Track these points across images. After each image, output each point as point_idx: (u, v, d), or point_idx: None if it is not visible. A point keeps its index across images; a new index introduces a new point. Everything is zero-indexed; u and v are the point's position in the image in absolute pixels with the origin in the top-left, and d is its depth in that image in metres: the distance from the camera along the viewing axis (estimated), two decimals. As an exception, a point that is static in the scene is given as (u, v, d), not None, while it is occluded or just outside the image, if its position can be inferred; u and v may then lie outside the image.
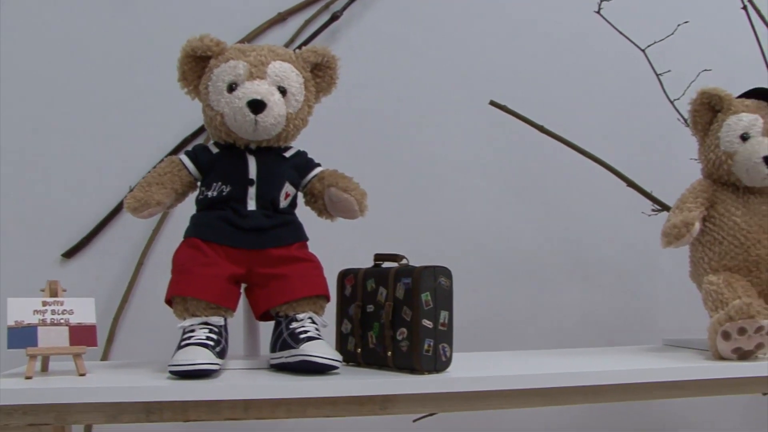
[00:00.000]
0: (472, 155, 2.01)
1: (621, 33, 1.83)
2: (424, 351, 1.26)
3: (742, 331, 1.39)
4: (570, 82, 2.07)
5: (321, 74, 1.43)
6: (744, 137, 1.54)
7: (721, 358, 1.43)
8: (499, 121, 1.83)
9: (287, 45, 1.92)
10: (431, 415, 1.73)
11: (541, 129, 1.74)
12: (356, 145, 1.93)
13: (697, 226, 1.53)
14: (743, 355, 1.41)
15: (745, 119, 1.55)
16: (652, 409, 2.07)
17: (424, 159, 1.98)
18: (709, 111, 1.60)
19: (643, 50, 1.83)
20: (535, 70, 2.05)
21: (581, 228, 2.07)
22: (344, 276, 1.44)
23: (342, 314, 1.43)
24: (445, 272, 1.29)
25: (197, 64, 1.39)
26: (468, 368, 1.34)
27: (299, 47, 1.65)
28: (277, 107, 1.33)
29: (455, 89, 2.00)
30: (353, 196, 1.39)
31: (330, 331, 1.41)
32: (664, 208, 1.79)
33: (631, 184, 1.79)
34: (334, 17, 1.95)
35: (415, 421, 1.76)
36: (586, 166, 1.84)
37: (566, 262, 2.06)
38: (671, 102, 1.81)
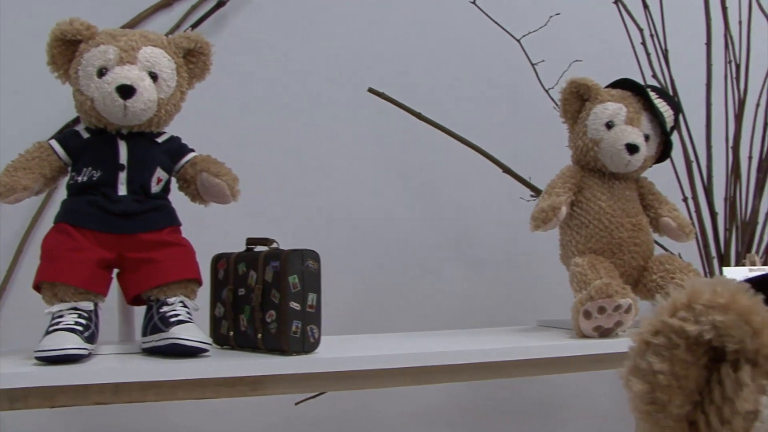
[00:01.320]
0: (353, 141, 2.03)
1: (496, 23, 1.88)
2: (291, 332, 1.29)
3: (601, 310, 1.45)
4: (449, 71, 2.11)
5: (194, 60, 1.43)
6: (609, 125, 1.61)
7: (584, 336, 1.49)
8: (380, 108, 1.86)
9: (172, 30, 1.91)
10: (313, 397, 1.76)
11: (419, 116, 1.78)
12: (240, 132, 1.93)
13: (564, 210, 1.58)
14: (603, 333, 1.48)
15: (611, 108, 1.62)
16: (531, 388, 2.14)
17: (306, 145, 2.00)
18: (577, 100, 1.66)
19: (518, 40, 1.89)
20: (414, 59, 2.09)
21: (463, 213, 2.13)
22: (217, 260, 1.45)
23: (215, 298, 1.45)
24: (313, 255, 1.32)
25: (67, 48, 1.37)
26: (340, 349, 1.37)
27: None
28: (147, 92, 1.33)
29: (338, 76, 2.02)
30: (224, 181, 1.40)
31: (205, 316, 1.43)
32: (539, 193, 1.85)
33: (506, 170, 1.84)
34: (221, 3, 1.95)
35: (297, 404, 1.78)
36: (467, 152, 1.88)
37: (448, 246, 2.11)
38: (546, 91, 1.87)
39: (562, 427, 2.22)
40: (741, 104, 1.98)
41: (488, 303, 2.14)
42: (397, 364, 1.32)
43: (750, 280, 0.71)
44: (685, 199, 1.96)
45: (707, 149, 1.98)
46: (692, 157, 1.96)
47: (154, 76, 1.35)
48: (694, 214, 1.95)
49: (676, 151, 1.96)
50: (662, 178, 1.91)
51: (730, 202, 1.96)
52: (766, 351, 0.65)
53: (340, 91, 2.01)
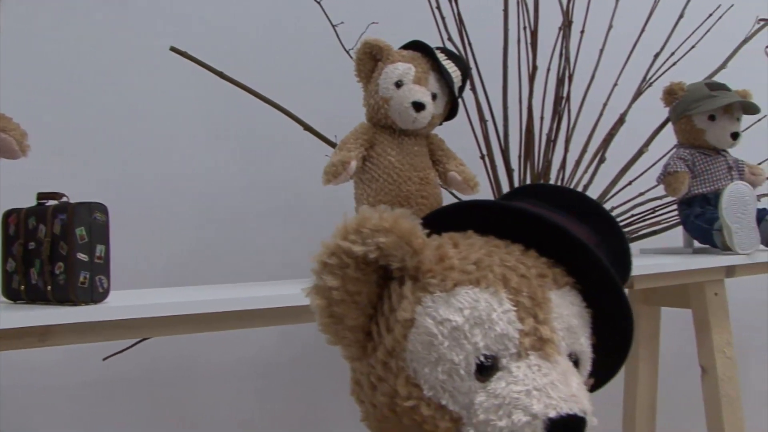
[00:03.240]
0: (162, 100, 2.06)
1: (299, -15, 1.94)
2: (79, 283, 1.32)
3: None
4: (254, 32, 2.17)
5: (-21, 15, 1.43)
6: (398, 84, 1.69)
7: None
8: (192, 68, 1.88)
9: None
10: (120, 352, 1.79)
11: (221, 75, 1.82)
12: (43, 91, 1.92)
13: (353, 164, 1.66)
14: (388, 279, 1.57)
15: (401, 68, 1.70)
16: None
17: (112, 104, 2.01)
18: (371, 60, 1.74)
19: (318, 2, 1.95)
20: (219, 19, 2.13)
21: (278, 170, 2.19)
22: (8, 216, 1.46)
23: (7, 253, 1.46)
24: (101, 208, 1.35)
25: None
26: (133, 299, 1.41)
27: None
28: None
29: (143, 34, 2.04)
30: (12, 136, 1.41)
31: (-4, 271, 1.44)
32: (343, 151, 1.92)
33: (307, 128, 1.91)
34: (24, -40, 1.92)
35: (104, 359, 1.81)
36: (276, 111, 1.94)
37: (264, 201, 2.17)
38: (347, 51, 1.94)
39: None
40: (533, 68, 2.11)
41: (306, 256, 2.20)
42: (183, 312, 1.37)
43: (426, 216, 0.81)
44: (482, 157, 2.09)
45: (504, 110, 2.11)
46: (488, 117, 2.09)
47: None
48: (490, 171, 2.08)
49: (474, 112, 2.09)
50: (462, 137, 2.03)
51: (524, 160, 2.10)
52: (424, 268, 0.75)
53: (146, 50, 2.02)
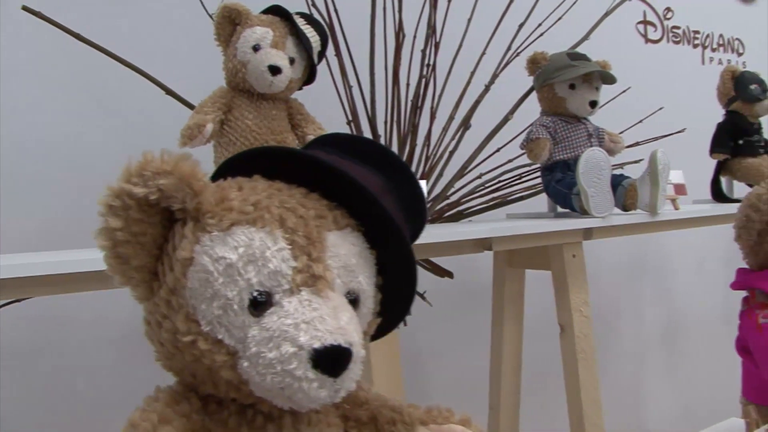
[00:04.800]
0: (17, 62, 2.03)
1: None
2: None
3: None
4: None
5: None
6: (255, 48, 1.71)
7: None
8: (44, 30, 1.85)
9: None
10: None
11: (78, 36, 1.80)
12: None
13: (209, 127, 1.68)
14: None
15: (259, 32, 1.72)
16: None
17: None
18: (230, 24, 1.75)
19: (180, -34, 1.96)
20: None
21: (140, 134, 2.18)
22: None
23: None
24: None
25: None
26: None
27: None
28: None
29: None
30: None
31: None
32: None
33: (169, 92, 1.91)
34: None
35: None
36: (139, 77, 1.93)
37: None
38: (210, 16, 1.95)
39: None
40: (401, 35, 2.16)
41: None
42: (36, 273, 1.37)
43: (224, 162, 0.84)
44: (349, 123, 2.12)
45: (371, 76, 2.15)
46: (354, 83, 2.13)
47: None
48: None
49: (340, 78, 2.12)
50: (329, 103, 2.07)
51: (390, 126, 2.15)
52: (203, 209, 0.78)
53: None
